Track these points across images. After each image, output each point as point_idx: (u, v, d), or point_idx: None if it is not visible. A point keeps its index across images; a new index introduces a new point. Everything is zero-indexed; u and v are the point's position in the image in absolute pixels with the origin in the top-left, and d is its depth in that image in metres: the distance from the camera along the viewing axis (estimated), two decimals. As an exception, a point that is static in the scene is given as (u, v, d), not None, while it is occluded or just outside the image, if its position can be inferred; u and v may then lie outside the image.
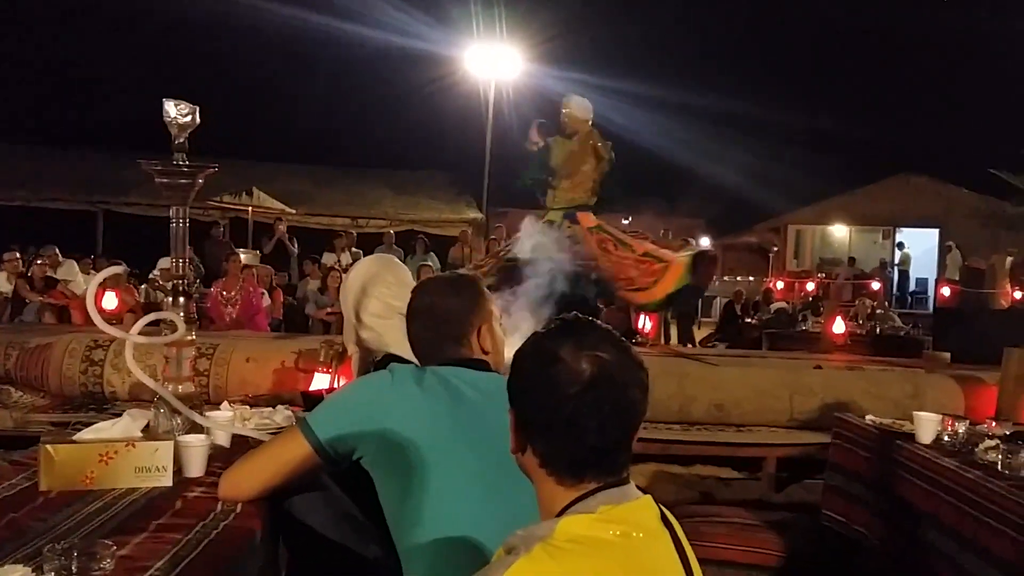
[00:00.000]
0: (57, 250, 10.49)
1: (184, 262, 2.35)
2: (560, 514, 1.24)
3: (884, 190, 19.86)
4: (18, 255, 9.91)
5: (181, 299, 2.32)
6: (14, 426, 3.41)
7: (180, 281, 2.33)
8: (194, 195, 2.34)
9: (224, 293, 7.84)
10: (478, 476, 1.78)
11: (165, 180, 2.31)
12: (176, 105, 2.31)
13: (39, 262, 9.61)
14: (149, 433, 2.22)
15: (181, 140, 2.33)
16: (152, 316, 2.32)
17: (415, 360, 2.10)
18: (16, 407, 3.73)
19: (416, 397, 1.89)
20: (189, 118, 2.32)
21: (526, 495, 1.33)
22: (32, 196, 16.42)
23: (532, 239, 5.74)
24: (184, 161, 2.31)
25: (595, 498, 1.24)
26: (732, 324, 11.60)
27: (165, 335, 2.31)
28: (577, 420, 1.23)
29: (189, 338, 2.33)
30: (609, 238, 6.03)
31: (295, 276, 11.49)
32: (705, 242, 20.82)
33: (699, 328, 13.95)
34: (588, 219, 6.17)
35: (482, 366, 2.02)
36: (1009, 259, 11.36)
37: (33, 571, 1.40)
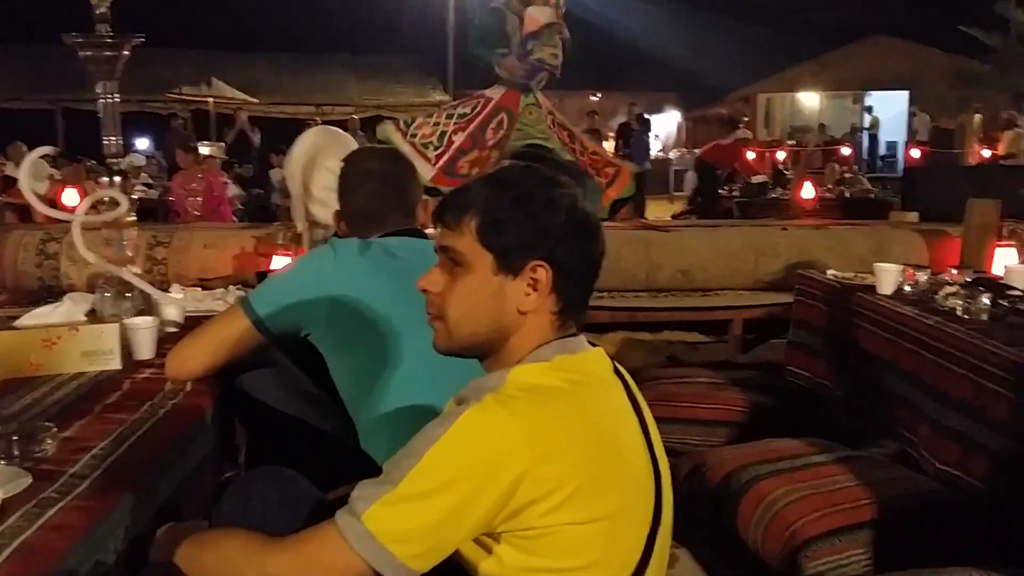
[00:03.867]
0: (25, 147, 10.08)
1: (117, 140, 2.26)
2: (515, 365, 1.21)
3: (854, 54, 19.48)
4: None
5: (117, 178, 2.24)
6: (-30, 324, 3.35)
7: (114, 160, 2.24)
8: (121, 68, 2.24)
9: (186, 186, 7.70)
10: (430, 343, 1.76)
11: (89, 53, 2.21)
12: (93, -30, 2.18)
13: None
14: (94, 317, 2.18)
15: (102, 10, 2.22)
16: (94, 196, 2.26)
17: None
18: (-28, 305, 3.67)
19: (360, 268, 1.84)
20: (107, -16, 2.19)
21: None
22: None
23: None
24: (107, 32, 2.20)
25: (550, 347, 1.22)
26: (708, 195, 11.23)
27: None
28: (595, 261, 1.26)
29: (130, 218, 2.26)
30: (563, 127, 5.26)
31: (258, 167, 11.25)
32: (675, 115, 20.53)
33: (672, 203, 13.92)
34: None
35: (427, 237, 1.99)
36: (978, 117, 11.33)
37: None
